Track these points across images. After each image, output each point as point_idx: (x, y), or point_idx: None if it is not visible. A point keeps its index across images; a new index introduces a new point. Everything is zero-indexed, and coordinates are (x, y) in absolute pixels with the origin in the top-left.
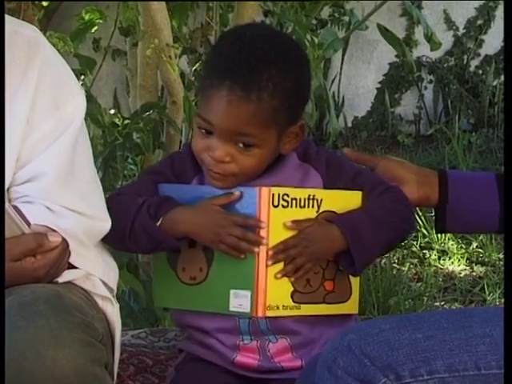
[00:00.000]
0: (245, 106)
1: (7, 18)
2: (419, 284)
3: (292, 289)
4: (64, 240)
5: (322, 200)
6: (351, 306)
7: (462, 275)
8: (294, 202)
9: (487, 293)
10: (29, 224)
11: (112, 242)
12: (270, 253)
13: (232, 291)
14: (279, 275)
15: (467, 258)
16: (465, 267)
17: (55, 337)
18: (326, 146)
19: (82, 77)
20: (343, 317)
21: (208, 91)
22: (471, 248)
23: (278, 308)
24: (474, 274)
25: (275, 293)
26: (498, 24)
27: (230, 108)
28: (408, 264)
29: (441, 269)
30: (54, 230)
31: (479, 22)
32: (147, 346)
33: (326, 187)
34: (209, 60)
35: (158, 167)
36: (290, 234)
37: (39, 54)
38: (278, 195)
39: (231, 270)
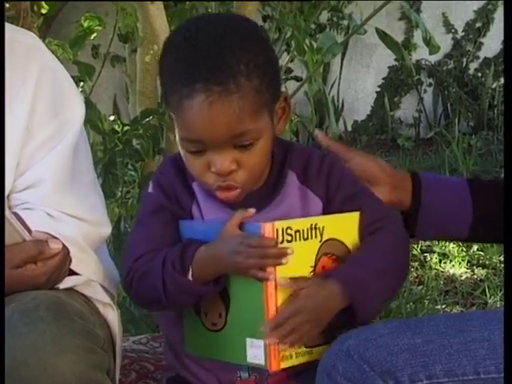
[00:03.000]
0: (228, 100)
1: (6, 25)
2: (420, 287)
3: None
4: (65, 247)
5: (323, 228)
6: None
7: (462, 278)
8: (297, 234)
9: (488, 295)
10: (29, 231)
11: (151, 307)
12: (271, 325)
13: (248, 340)
14: (275, 342)
15: (468, 261)
16: (466, 270)
17: (57, 343)
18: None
19: (82, 83)
20: None
21: (180, 106)
22: (472, 251)
23: (291, 357)
24: (475, 276)
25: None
26: (496, 27)
27: (214, 111)
28: (409, 267)
29: (442, 272)
30: (54, 237)
31: (478, 24)
32: (149, 352)
33: (324, 209)
34: (166, 73)
35: (153, 203)
36: (296, 272)
37: (38, 61)
38: (282, 230)
39: (247, 315)
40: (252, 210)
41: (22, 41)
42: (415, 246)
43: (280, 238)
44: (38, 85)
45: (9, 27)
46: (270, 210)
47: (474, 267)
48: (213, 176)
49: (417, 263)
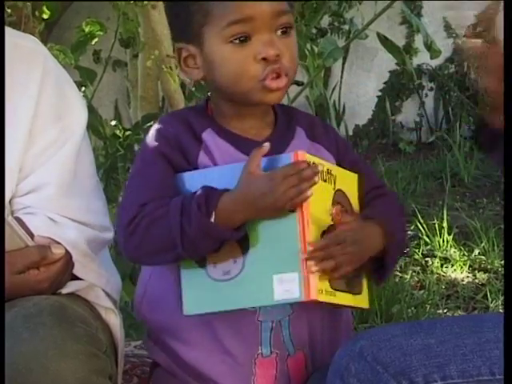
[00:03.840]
0: None
1: (8, 30)
2: (422, 292)
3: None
4: (67, 251)
5: (336, 177)
6: (365, 300)
7: (464, 282)
8: (319, 174)
9: (490, 300)
10: (32, 236)
11: (155, 258)
12: (310, 249)
13: (275, 277)
14: (314, 268)
15: (469, 265)
16: (467, 274)
17: (59, 348)
18: None
19: (83, 88)
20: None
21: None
22: (473, 255)
23: (322, 292)
24: (477, 281)
25: (318, 277)
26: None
27: None
28: (410, 272)
29: (443, 276)
30: (57, 242)
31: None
32: (150, 357)
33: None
34: None
35: (154, 152)
36: (321, 211)
37: (40, 66)
38: (309, 163)
39: (272, 253)
40: (267, 144)
41: (24, 46)
42: (416, 251)
43: None
44: (40, 90)
45: (11, 32)
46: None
47: (476, 271)
48: (260, 65)
49: (418, 267)
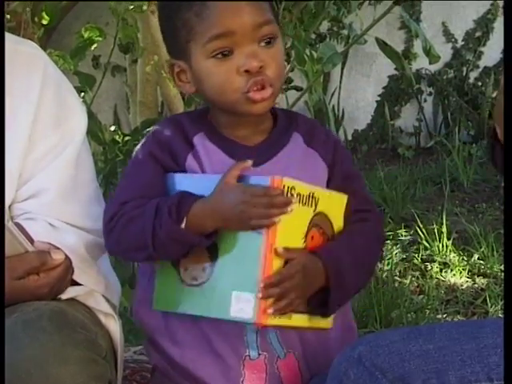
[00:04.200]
0: None
1: (8, 36)
2: (421, 297)
3: None
4: (67, 257)
5: (318, 200)
6: (326, 320)
7: (463, 287)
8: (298, 197)
9: (489, 305)
10: (32, 241)
11: (131, 255)
12: (262, 285)
13: (234, 293)
14: (270, 311)
15: (469, 270)
16: (466, 279)
17: (59, 354)
18: None
19: (82, 94)
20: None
21: (204, 8)
22: (473, 260)
23: (276, 317)
24: (476, 286)
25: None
26: (496, 36)
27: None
28: (410, 277)
29: (443, 281)
30: (57, 247)
31: (478, 34)
32: (150, 362)
33: (329, 179)
34: (170, 9)
35: (144, 153)
36: (291, 236)
37: (40, 72)
38: (288, 188)
39: (235, 268)
40: (249, 162)
41: (24, 51)
42: (416, 256)
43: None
44: (40, 95)
45: (11, 38)
46: (273, 163)
47: (475, 276)
48: (243, 78)
49: (418, 272)
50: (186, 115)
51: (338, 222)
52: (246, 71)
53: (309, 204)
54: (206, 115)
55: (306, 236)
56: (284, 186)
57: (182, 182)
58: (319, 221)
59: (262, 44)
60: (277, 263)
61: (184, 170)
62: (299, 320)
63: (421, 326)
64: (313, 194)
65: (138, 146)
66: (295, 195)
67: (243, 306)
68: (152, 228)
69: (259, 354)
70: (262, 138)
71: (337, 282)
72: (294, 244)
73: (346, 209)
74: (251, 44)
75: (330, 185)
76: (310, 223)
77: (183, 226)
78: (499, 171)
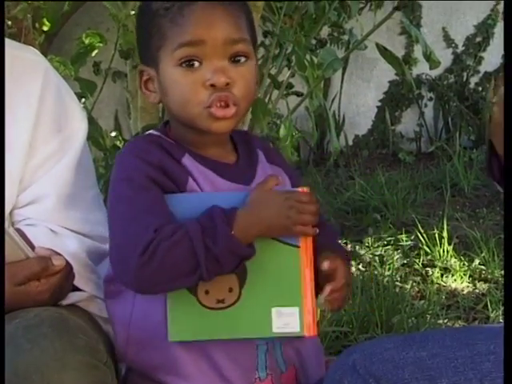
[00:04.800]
0: (230, 6)
1: (9, 42)
2: (422, 302)
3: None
4: (68, 263)
5: None
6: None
7: (464, 292)
8: None
9: (490, 310)
10: (33, 247)
11: (177, 282)
12: (331, 289)
13: (274, 309)
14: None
15: (470, 275)
16: (467, 284)
17: (60, 360)
18: (327, 165)
19: (83, 100)
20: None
21: (179, 15)
22: (474, 265)
23: (318, 324)
24: (477, 291)
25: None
26: (496, 41)
27: (217, 12)
28: (411, 282)
29: (444, 286)
30: (57, 253)
31: (478, 39)
32: None
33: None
34: (147, 15)
35: (145, 177)
36: None
37: (41, 77)
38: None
39: (271, 285)
40: (276, 177)
41: (25, 57)
42: (417, 261)
43: None
44: (41, 101)
45: (13, 44)
46: (260, 180)
47: (476, 281)
48: (208, 92)
49: (419, 277)
50: (158, 136)
51: None
52: (212, 85)
53: None
54: (168, 137)
55: None
56: None
57: (184, 202)
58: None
59: (233, 61)
60: (312, 273)
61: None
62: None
63: (414, 333)
64: None
65: (126, 170)
66: None
67: (287, 320)
68: (204, 246)
69: (267, 374)
70: (233, 156)
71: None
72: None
73: None
74: (221, 59)
75: None
76: None
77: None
78: (496, 183)
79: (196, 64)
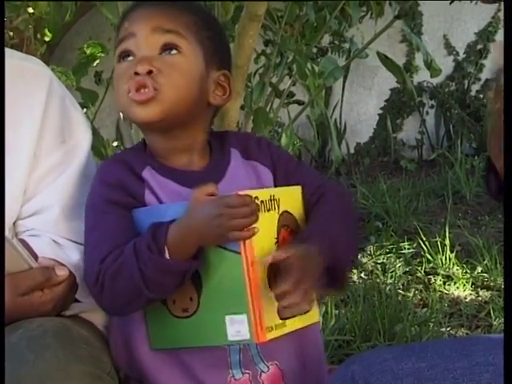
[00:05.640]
0: (172, 7)
1: (13, 52)
2: (425, 310)
3: (276, 303)
4: (71, 273)
5: (279, 199)
6: (315, 314)
7: (467, 300)
8: (262, 205)
9: (493, 318)
10: (36, 257)
11: (131, 306)
12: (280, 293)
13: (227, 317)
14: (286, 304)
15: (472, 283)
16: (470, 292)
17: (64, 370)
18: (329, 173)
19: (85, 110)
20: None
21: (124, 18)
22: (476, 272)
23: (272, 329)
24: (480, 298)
25: (267, 313)
26: None
27: (156, 10)
28: (413, 290)
29: (446, 294)
30: (61, 264)
31: (479, 46)
32: None
33: (275, 181)
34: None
35: (102, 201)
36: (264, 244)
37: (45, 88)
38: (252, 199)
39: (222, 293)
40: (213, 185)
41: (29, 68)
42: (419, 269)
43: None
44: (45, 112)
45: (17, 54)
46: (225, 184)
47: (479, 289)
48: (132, 80)
49: (421, 285)
50: (128, 152)
51: (300, 215)
52: (136, 73)
53: (272, 208)
54: (144, 149)
55: (277, 239)
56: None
57: (146, 215)
58: (285, 220)
59: (164, 53)
60: (263, 275)
61: (144, 205)
62: (293, 324)
63: (413, 343)
64: (273, 196)
65: (92, 193)
66: (259, 203)
67: (239, 327)
68: (139, 271)
69: (243, 374)
70: (204, 162)
71: (334, 254)
72: (270, 252)
73: (304, 198)
74: (151, 50)
75: (277, 185)
76: (278, 226)
77: (167, 255)
78: (494, 199)
79: (130, 57)
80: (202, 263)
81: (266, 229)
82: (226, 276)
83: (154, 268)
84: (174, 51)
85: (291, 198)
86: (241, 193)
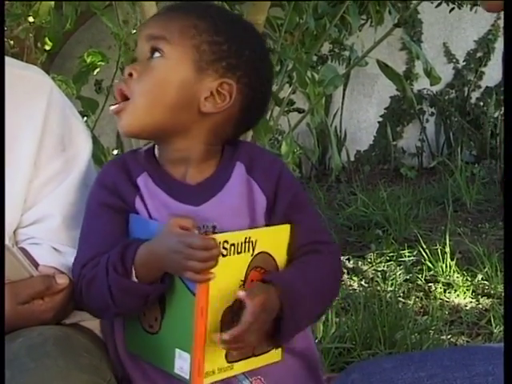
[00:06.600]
0: (172, 12)
1: (14, 61)
2: (425, 317)
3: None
4: (71, 281)
5: (256, 241)
6: (276, 354)
7: (468, 308)
8: (232, 248)
9: (494, 325)
10: (36, 265)
11: (103, 315)
12: (226, 338)
13: (177, 351)
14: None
15: (473, 291)
16: (471, 300)
17: (64, 378)
18: (329, 181)
19: (85, 118)
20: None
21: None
22: (476, 280)
23: (213, 373)
24: (480, 306)
25: (212, 356)
26: (497, 56)
27: (153, 18)
28: (413, 297)
29: (446, 302)
30: (61, 272)
31: (479, 54)
32: None
33: (267, 208)
34: None
35: (96, 202)
36: (226, 285)
37: (45, 97)
38: (219, 243)
39: (178, 325)
40: (190, 220)
41: (30, 77)
42: (419, 276)
43: None
44: (45, 121)
45: (17, 64)
46: (213, 204)
47: (479, 297)
48: (116, 86)
49: (421, 293)
50: (133, 153)
51: (280, 256)
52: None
53: (245, 250)
54: (153, 153)
55: (244, 281)
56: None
57: (139, 225)
58: (259, 261)
59: (151, 58)
60: (217, 317)
61: (137, 212)
62: (244, 365)
63: (413, 352)
64: (249, 238)
65: (90, 193)
66: (228, 247)
67: (182, 364)
68: (107, 287)
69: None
70: (206, 175)
71: (291, 312)
72: (231, 295)
73: (293, 240)
74: (142, 55)
75: (273, 215)
76: (248, 268)
77: (134, 277)
78: None
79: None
80: (168, 288)
81: (232, 271)
82: (182, 310)
83: (118, 288)
84: (156, 54)
85: (274, 239)
86: (210, 236)
